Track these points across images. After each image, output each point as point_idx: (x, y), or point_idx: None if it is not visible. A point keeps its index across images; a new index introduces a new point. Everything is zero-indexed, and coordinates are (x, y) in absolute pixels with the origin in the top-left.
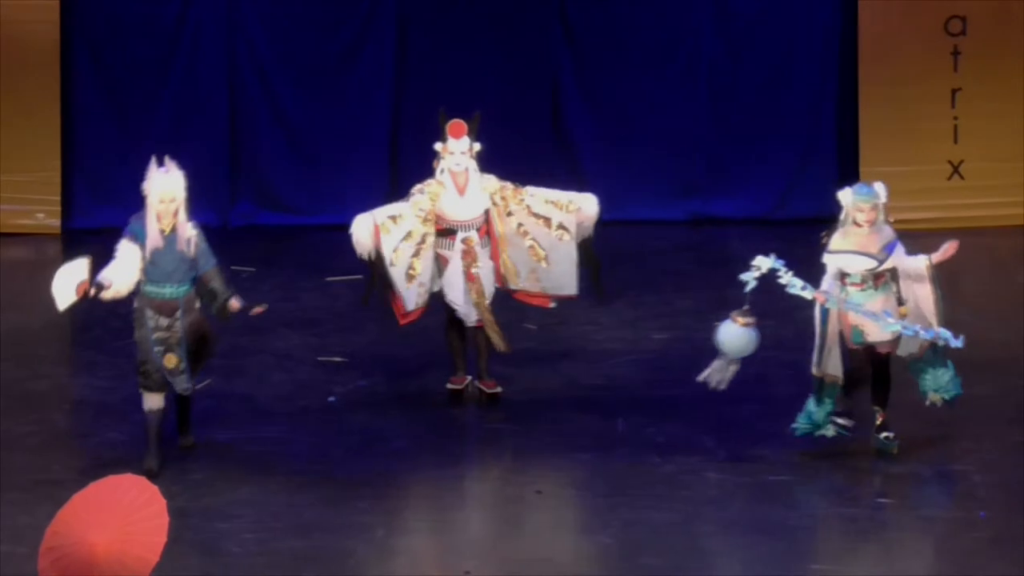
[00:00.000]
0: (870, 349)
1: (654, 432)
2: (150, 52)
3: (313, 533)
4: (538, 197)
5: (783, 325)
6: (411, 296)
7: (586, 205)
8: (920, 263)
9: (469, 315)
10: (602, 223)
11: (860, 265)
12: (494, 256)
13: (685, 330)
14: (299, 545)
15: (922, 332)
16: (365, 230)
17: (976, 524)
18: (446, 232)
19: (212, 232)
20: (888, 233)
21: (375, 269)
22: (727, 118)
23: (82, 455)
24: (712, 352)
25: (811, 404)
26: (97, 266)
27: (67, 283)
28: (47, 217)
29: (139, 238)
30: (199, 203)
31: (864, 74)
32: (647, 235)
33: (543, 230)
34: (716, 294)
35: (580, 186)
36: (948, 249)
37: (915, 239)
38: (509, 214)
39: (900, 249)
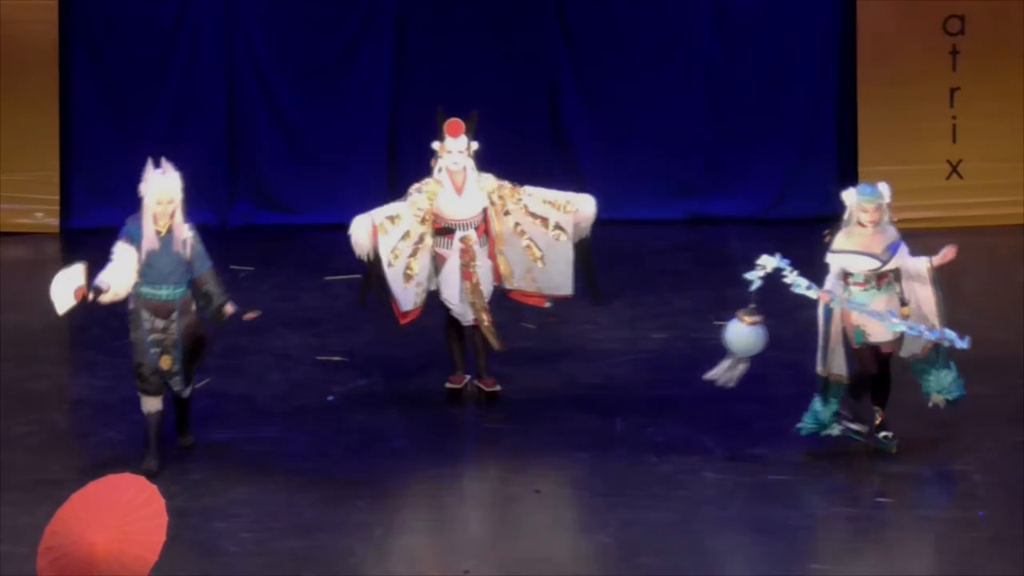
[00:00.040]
0: (874, 349)
1: (653, 432)
2: (149, 52)
3: (312, 532)
4: (536, 197)
5: (783, 325)
6: (408, 296)
7: (584, 206)
8: (921, 265)
9: (465, 314)
10: (600, 223)
11: (863, 265)
12: (492, 255)
13: (684, 330)
14: (298, 544)
15: (927, 333)
16: (363, 231)
17: (976, 524)
18: (444, 231)
19: (211, 232)
20: (892, 233)
21: (373, 270)
22: (725, 118)
23: (81, 455)
24: (715, 352)
25: (817, 404)
26: (94, 268)
27: (64, 288)
28: (46, 216)
29: (135, 240)
30: (198, 203)
31: (863, 74)
32: (646, 235)
33: (540, 230)
34: (715, 294)
35: (578, 186)
36: (947, 253)
37: (914, 239)
38: (506, 213)
39: (904, 250)
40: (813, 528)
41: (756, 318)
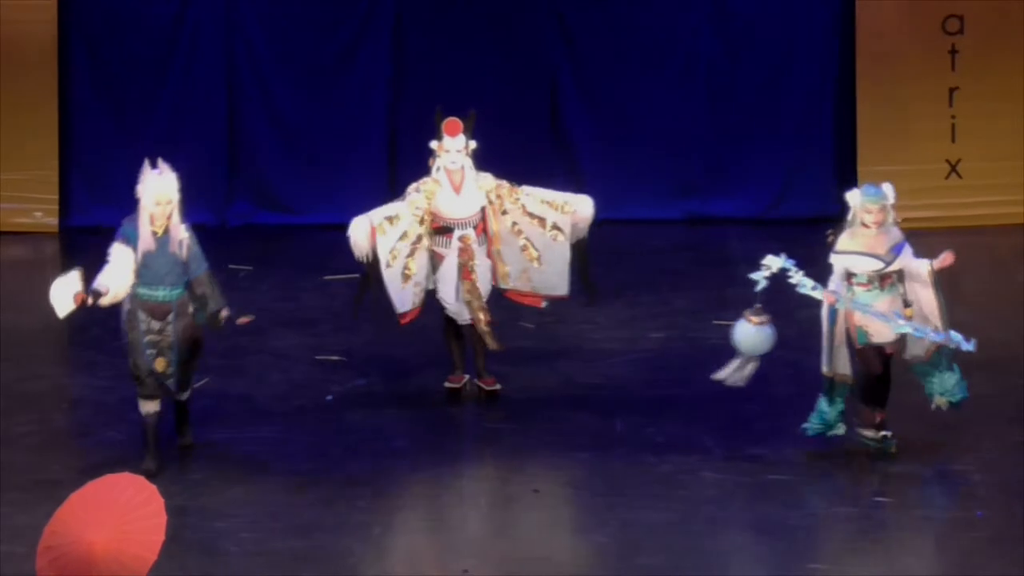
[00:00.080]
0: (878, 349)
1: (652, 431)
2: (148, 51)
3: (311, 532)
4: (533, 197)
5: (785, 325)
6: (407, 296)
7: (582, 207)
8: (923, 267)
9: (460, 313)
10: (600, 222)
11: (867, 266)
12: (490, 254)
13: (683, 329)
14: (297, 544)
15: (933, 335)
16: (362, 232)
17: (975, 524)
18: (442, 230)
19: (210, 231)
20: (896, 235)
21: (371, 271)
22: (725, 118)
23: (80, 454)
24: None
25: (823, 404)
26: (91, 269)
27: (63, 294)
28: (45, 215)
29: (131, 241)
30: (197, 203)
31: (862, 74)
32: (645, 234)
33: (537, 230)
34: (714, 294)
35: (578, 185)
36: (945, 258)
37: (913, 238)
38: (504, 213)
39: (908, 251)
40: (813, 528)
41: (763, 318)
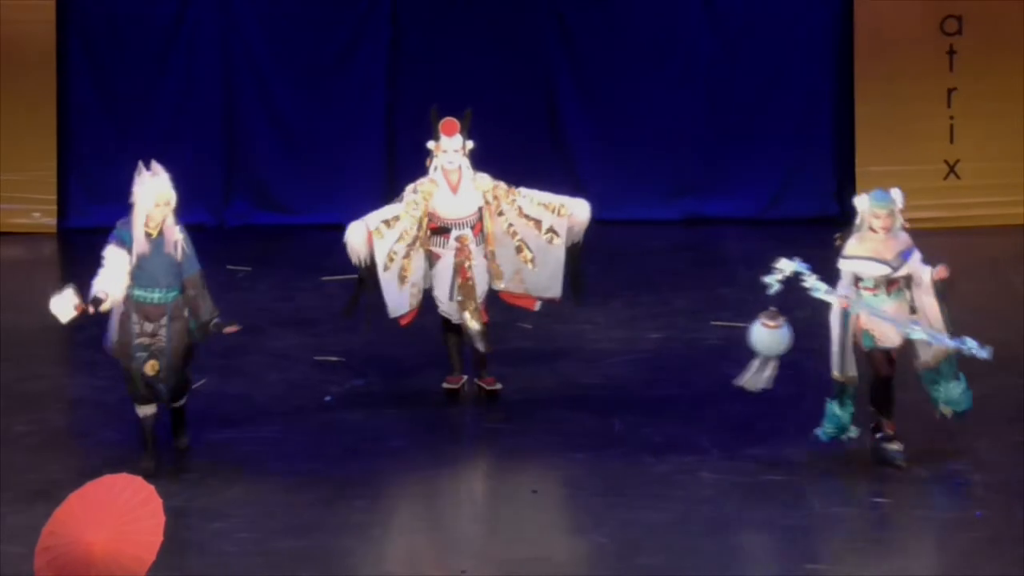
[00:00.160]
0: (886, 353)
1: (650, 431)
2: (146, 52)
3: (310, 532)
4: (530, 199)
5: None
6: (404, 298)
7: (578, 210)
8: (926, 275)
9: (452, 313)
10: (598, 223)
11: (874, 271)
12: (485, 254)
13: (681, 330)
14: (295, 544)
15: (948, 341)
16: (359, 237)
17: (975, 524)
18: (440, 230)
19: (208, 232)
20: (904, 240)
21: (368, 276)
22: (723, 118)
23: (79, 455)
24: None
25: (835, 408)
26: (89, 271)
27: (63, 308)
28: (43, 216)
29: (126, 243)
30: (195, 203)
31: (860, 74)
32: (643, 235)
33: (533, 232)
34: (712, 294)
35: (576, 185)
36: (940, 271)
37: (912, 238)
38: (500, 214)
39: (916, 257)
40: (812, 528)
41: (778, 320)
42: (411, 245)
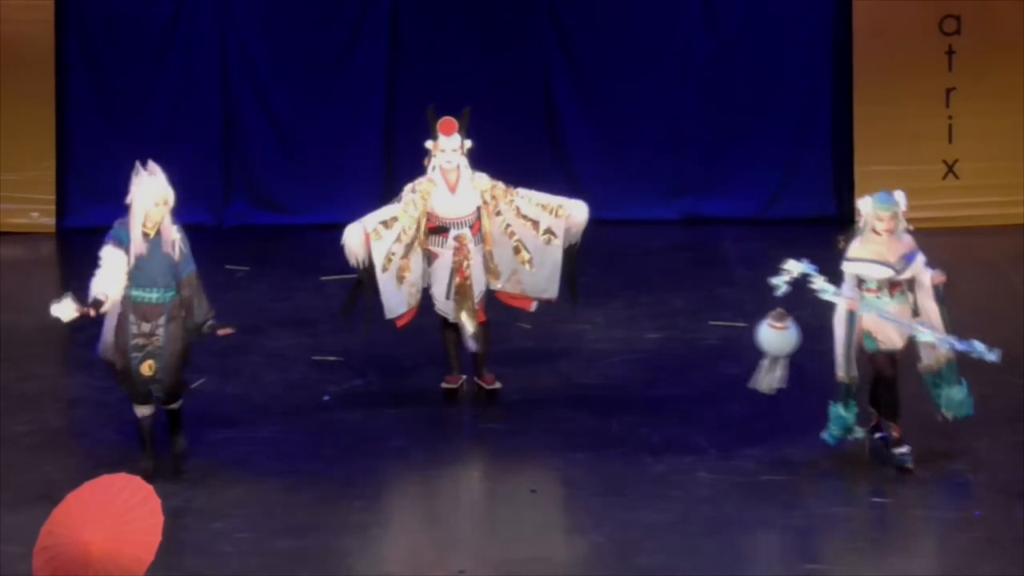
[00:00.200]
0: (889, 356)
1: (649, 432)
2: (144, 51)
3: (308, 532)
4: (528, 199)
5: None
6: (402, 298)
7: (576, 211)
8: (927, 279)
9: (449, 311)
10: (596, 223)
11: (878, 274)
12: (483, 254)
13: (680, 330)
14: (294, 544)
15: (957, 344)
16: (356, 239)
17: (974, 524)
18: (438, 230)
19: (206, 232)
20: (908, 243)
21: (365, 277)
22: (721, 118)
23: (77, 454)
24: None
25: (840, 410)
26: (88, 271)
27: (64, 311)
28: (42, 216)
29: (124, 243)
30: (194, 203)
31: (859, 73)
32: (641, 235)
33: (530, 233)
34: (710, 294)
35: (573, 185)
36: (935, 277)
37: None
38: (498, 213)
39: (920, 260)
40: (811, 528)
41: (785, 321)
42: (410, 245)
